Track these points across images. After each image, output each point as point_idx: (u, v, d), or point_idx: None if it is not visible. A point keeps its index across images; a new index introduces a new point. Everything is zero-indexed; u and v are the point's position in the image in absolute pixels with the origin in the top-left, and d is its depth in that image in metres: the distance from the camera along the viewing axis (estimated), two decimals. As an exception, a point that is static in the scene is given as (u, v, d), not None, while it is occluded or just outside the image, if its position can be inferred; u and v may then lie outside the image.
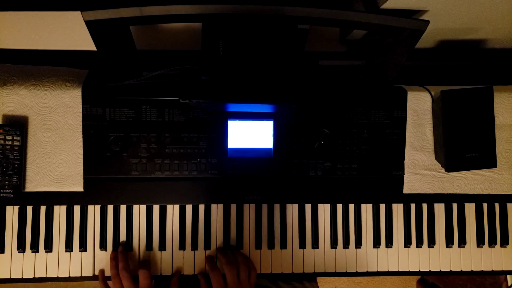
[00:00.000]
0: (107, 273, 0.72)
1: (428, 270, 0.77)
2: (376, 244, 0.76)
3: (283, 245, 0.75)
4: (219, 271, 0.70)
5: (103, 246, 0.73)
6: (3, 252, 0.72)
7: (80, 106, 0.72)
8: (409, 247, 0.77)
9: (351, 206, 0.77)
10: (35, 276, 0.72)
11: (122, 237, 0.73)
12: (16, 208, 0.73)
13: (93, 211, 0.74)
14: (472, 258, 0.77)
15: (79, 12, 0.55)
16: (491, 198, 0.78)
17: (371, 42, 0.74)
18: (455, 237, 0.77)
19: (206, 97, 0.61)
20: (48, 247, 0.72)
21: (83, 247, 0.73)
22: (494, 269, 0.77)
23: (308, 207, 0.76)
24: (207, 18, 0.55)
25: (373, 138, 0.75)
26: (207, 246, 0.74)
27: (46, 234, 0.73)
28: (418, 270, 0.77)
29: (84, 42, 0.74)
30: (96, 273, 0.73)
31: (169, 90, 0.72)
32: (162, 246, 0.74)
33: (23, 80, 0.72)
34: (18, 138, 0.70)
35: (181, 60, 0.74)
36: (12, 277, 0.72)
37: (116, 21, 0.56)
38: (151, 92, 0.72)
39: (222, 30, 0.56)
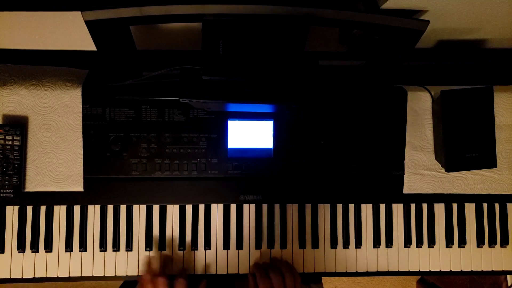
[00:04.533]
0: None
1: (428, 270, 0.77)
2: (376, 244, 0.76)
3: (283, 245, 0.75)
4: (269, 280, 0.69)
5: (103, 246, 0.73)
6: (3, 252, 0.72)
7: (80, 106, 0.72)
8: (409, 247, 0.77)
9: (351, 206, 0.77)
10: (35, 276, 0.72)
11: (122, 237, 0.73)
12: (16, 208, 0.73)
13: (93, 211, 0.74)
14: (472, 258, 0.77)
15: (79, 12, 0.55)
16: (491, 198, 0.78)
17: (371, 42, 0.74)
18: (455, 237, 0.77)
19: (206, 97, 0.61)
20: (48, 247, 0.72)
21: (83, 247, 0.73)
22: (494, 269, 0.77)
23: (308, 207, 0.76)
24: (207, 18, 0.55)
25: (373, 138, 0.75)
26: (207, 246, 0.74)
27: (46, 234, 0.73)
28: (418, 270, 0.77)
29: (84, 42, 0.74)
30: (96, 273, 0.73)
31: (169, 90, 0.72)
32: (162, 246, 0.74)
33: (23, 80, 0.72)
34: (18, 138, 0.70)
35: (181, 60, 0.74)
36: (12, 277, 0.72)
37: (116, 21, 0.56)
38: (151, 92, 0.72)
39: (222, 30, 0.56)
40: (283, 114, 0.74)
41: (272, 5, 0.54)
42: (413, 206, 0.78)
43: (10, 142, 0.69)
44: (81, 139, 0.72)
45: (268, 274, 0.69)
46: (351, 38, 0.74)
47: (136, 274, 0.73)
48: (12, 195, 0.70)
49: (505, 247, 0.78)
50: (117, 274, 0.73)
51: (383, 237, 0.77)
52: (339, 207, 0.77)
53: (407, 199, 0.77)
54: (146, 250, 0.73)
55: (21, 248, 0.72)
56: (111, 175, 0.72)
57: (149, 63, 0.73)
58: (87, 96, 0.72)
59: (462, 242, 0.77)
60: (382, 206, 0.77)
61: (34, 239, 0.72)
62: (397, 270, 0.77)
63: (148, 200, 0.74)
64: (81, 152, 0.72)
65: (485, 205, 0.78)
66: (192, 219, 0.75)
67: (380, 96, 0.75)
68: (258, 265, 0.73)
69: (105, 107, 0.72)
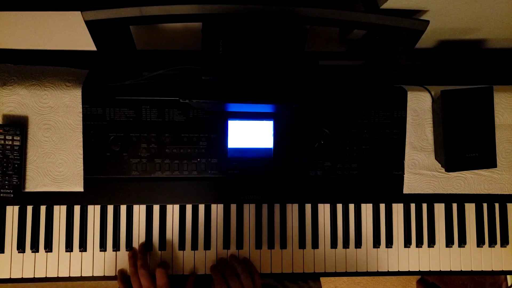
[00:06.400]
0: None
1: (428, 270, 0.77)
2: (376, 244, 0.76)
3: (283, 245, 0.75)
4: (226, 284, 0.69)
5: (103, 246, 0.73)
6: (3, 252, 0.72)
7: (80, 106, 0.72)
8: (409, 247, 0.77)
9: (351, 206, 0.77)
10: (35, 276, 0.72)
11: (122, 237, 0.73)
12: (16, 208, 0.73)
13: (93, 211, 0.74)
14: (472, 258, 0.77)
15: (79, 12, 0.55)
16: (491, 198, 0.78)
17: (371, 42, 0.74)
18: (455, 237, 0.77)
19: (206, 97, 0.61)
20: (48, 247, 0.72)
21: (83, 247, 0.73)
22: (494, 269, 0.77)
23: (308, 207, 0.76)
24: (207, 18, 0.55)
25: (373, 138, 0.75)
26: (207, 246, 0.74)
27: (46, 234, 0.73)
28: (418, 270, 0.77)
29: (84, 42, 0.74)
30: (96, 273, 0.73)
31: (169, 90, 0.72)
32: (162, 246, 0.74)
33: (23, 80, 0.72)
34: (18, 138, 0.70)
35: (181, 60, 0.74)
36: (12, 277, 0.72)
37: (116, 21, 0.56)
38: (151, 92, 0.72)
39: (222, 30, 0.56)
40: (283, 114, 0.74)
41: (272, 5, 0.54)
42: (413, 206, 0.78)
43: (10, 142, 0.69)
44: (81, 139, 0.72)
45: (225, 277, 0.69)
46: (351, 38, 0.74)
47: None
48: (12, 195, 0.70)
49: (505, 247, 0.78)
50: (117, 274, 0.73)
51: (383, 237, 0.77)
52: (339, 207, 0.77)
53: (407, 199, 0.77)
54: (146, 250, 0.73)
55: (21, 248, 0.72)
56: (111, 175, 0.72)
57: (149, 63, 0.73)
58: (87, 96, 0.72)
59: (462, 242, 0.77)
60: (382, 206, 0.77)
61: (34, 239, 0.72)
62: (397, 270, 0.77)
63: (148, 200, 0.74)
64: (81, 152, 0.72)
65: (485, 205, 0.78)
66: (192, 219, 0.75)
67: (380, 96, 0.75)
68: (214, 268, 0.73)
69: (105, 107, 0.72)
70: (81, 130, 0.72)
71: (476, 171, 0.76)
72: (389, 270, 0.77)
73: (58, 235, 0.73)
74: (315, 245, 0.76)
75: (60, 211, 0.73)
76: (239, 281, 0.68)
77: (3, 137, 0.69)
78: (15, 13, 0.73)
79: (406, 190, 0.77)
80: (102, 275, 0.73)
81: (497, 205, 0.78)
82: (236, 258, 0.74)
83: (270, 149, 0.74)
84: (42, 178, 0.72)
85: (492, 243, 0.77)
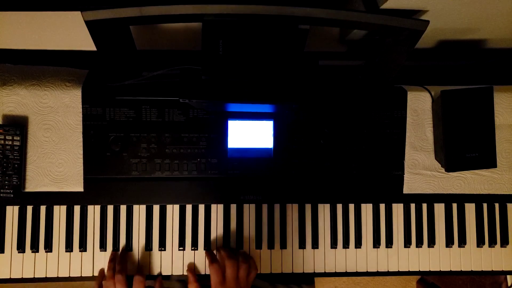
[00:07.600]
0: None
1: (428, 270, 0.77)
2: (376, 244, 0.76)
3: (283, 245, 0.75)
4: (219, 264, 0.69)
5: (103, 246, 0.73)
6: (3, 252, 0.72)
7: (80, 106, 0.72)
8: (409, 247, 0.77)
9: (351, 206, 0.77)
10: (35, 276, 0.72)
11: (122, 237, 0.73)
12: (16, 208, 0.73)
13: (93, 211, 0.74)
14: (472, 258, 0.77)
15: (79, 12, 0.55)
16: (491, 198, 0.78)
17: (371, 42, 0.74)
18: (455, 237, 0.77)
19: (206, 97, 0.61)
20: (48, 247, 0.72)
21: (83, 247, 0.73)
22: (494, 269, 0.77)
23: (308, 207, 0.76)
24: (207, 18, 0.55)
25: (373, 138, 0.75)
26: (207, 246, 0.74)
27: (46, 234, 0.73)
28: (418, 270, 0.77)
29: (84, 42, 0.74)
30: (96, 273, 0.72)
31: (169, 90, 0.72)
32: (162, 246, 0.74)
33: (23, 80, 0.72)
34: (18, 138, 0.70)
35: (181, 60, 0.74)
36: (12, 277, 0.72)
37: (116, 21, 0.56)
38: (151, 92, 0.72)
39: (222, 30, 0.56)
40: (283, 114, 0.74)
41: (272, 5, 0.54)
42: (413, 206, 0.78)
43: (10, 142, 0.69)
44: (81, 139, 0.72)
45: (224, 260, 0.69)
46: (351, 39, 0.74)
47: (133, 274, 0.73)
48: (12, 195, 0.70)
49: (505, 247, 0.78)
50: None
51: (383, 237, 0.77)
52: (339, 207, 0.77)
53: (407, 199, 0.77)
54: (146, 250, 0.73)
55: (21, 248, 0.72)
56: (111, 175, 0.72)
57: (149, 63, 0.73)
58: (87, 96, 0.72)
59: (462, 242, 0.77)
60: (382, 206, 0.77)
61: (34, 239, 0.72)
62: (397, 270, 0.77)
63: (148, 200, 0.74)
64: (81, 152, 0.72)
65: (485, 205, 0.78)
66: (192, 219, 0.75)
67: (380, 96, 0.75)
68: (209, 251, 0.73)
69: (105, 107, 0.72)
70: (81, 130, 0.72)
71: (476, 171, 0.76)
72: (389, 270, 0.77)
73: (58, 235, 0.73)
74: (315, 245, 0.76)
75: (60, 211, 0.73)
76: (237, 270, 0.68)
77: (3, 137, 0.69)
78: (15, 13, 0.73)
79: (406, 190, 0.77)
80: (102, 275, 0.73)
81: (497, 205, 0.78)
82: (239, 251, 0.74)
83: (270, 149, 0.74)
84: (42, 178, 0.72)
85: (492, 243, 0.77)
